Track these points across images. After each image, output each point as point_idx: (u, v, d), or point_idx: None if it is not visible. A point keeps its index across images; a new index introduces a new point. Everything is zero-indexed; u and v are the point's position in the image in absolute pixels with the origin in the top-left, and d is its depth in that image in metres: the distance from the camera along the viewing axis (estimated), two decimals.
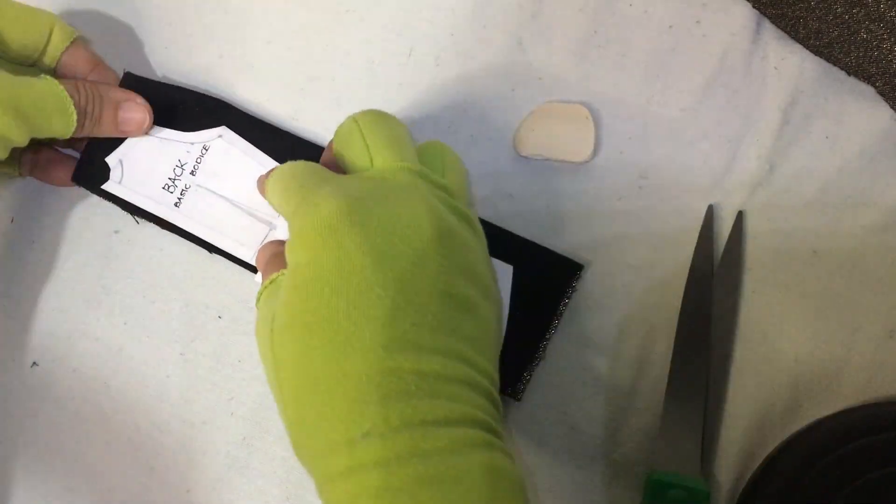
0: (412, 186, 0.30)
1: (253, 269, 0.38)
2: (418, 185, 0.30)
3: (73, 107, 0.35)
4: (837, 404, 0.35)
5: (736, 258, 0.37)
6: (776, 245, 0.37)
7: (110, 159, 0.40)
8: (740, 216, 0.37)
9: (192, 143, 0.40)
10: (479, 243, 0.31)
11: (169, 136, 0.40)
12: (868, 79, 0.39)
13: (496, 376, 0.29)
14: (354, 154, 0.32)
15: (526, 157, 0.40)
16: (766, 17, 0.40)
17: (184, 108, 0.41)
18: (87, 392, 0.39)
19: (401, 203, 0.29)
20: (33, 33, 0.36)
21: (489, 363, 0.29)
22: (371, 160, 0.32)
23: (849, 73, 0.40)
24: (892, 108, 0.39)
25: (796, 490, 0.32)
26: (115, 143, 0.40)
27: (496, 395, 0.28)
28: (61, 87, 0.35)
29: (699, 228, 0.37)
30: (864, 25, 0.37)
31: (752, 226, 0.38)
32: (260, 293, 0.32)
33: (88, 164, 0.40)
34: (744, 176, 0.38)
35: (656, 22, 0.41)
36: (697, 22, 0.41)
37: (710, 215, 0.38)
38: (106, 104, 0.37)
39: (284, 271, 0.30)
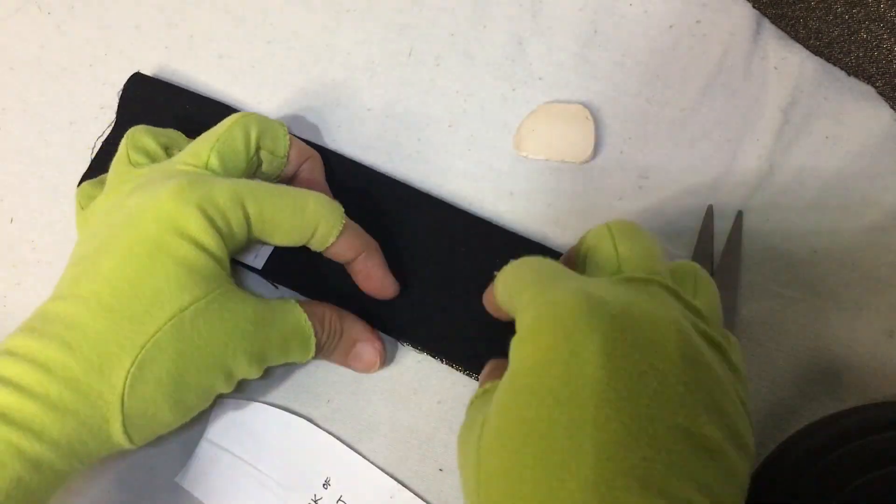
0: (660, 301, 0.26)
1: (257, 272, 0.38)
2: (667, 301, 0.26)
3: (314, 343, 0.34)
4: (837, 404, 0.35)
5: (735, 258, 0.37)
6: (776, 245, 0.37)
7: None
8: (740, 216, 0.37)
9: None
10: (731, 379, 0.26)
11: None
12: (868, 79, 0.39)
13: None
14: (602, 258, 0.29)
15: (526, 157, 0.40)
16: (766, 17, 0.41)
17: (191, 113, 0.41)
18: None
19: (646, 316, 0.24)
20: (297, 237, 0.34)
21: None
22: (619, 267, 0.28)
23: (849, 73, 0.40)
24: (892, 108, 0.39)
25: (796, 490, 0.31)
26: (105, 156, 0.40)
27: None
28: (309, 324, 0.33)
29: (699, 228, 0.37)
30: (864, 25, 0.37)
31: (751, 226, 0.38)
32: (473, 399, 0.29)
33: (87, 176, 0.41)
34: (744, 176, 0.38)
35: (656, 22, 0.41)
36: (697, 22, 0.41)
37: (710, 215, 0.38)
38: (344, 341, 0.35)
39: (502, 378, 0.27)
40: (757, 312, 0.36)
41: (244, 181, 0.33)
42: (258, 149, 0.35)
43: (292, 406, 0.37)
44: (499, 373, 0.28)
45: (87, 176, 0.41)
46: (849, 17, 0.38)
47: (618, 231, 0.29)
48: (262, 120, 0.36)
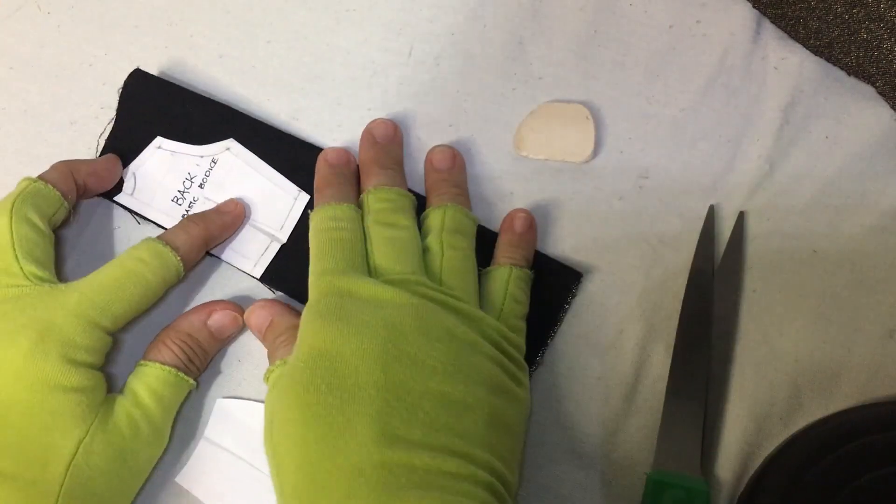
0: (414, 290, 0.32)
1: (253, 277, 0.38)
2: (421, 290, 0.32)
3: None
4: (837, 404, 0.35)
5: (736, 258, 0.37)
6: (776, 245, 0.37)
7: (124, 171, 0.40)
8: (741, 216, 0.37)
9: (202, 157, 0.40)
10: (479, 337, 0.32)
11: (179, 150, 0.40)
12: (868, 79, 0.39)
13: (503, 468, 0.29)
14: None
15: (526, 157, 0.40)
16: (766, 17, 0.40)
17: (191, 112, 0.41)
18: None
19: (392, 307, 0.31)
20: (153, 299, 0.36)
21: (492, 456, 0.29)
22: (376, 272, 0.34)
23: (849, 73, 0.40)
24: (892, 108, 0.39)
25: (796, 489, 0.31)
26: (130, 156, 0.40)
27: (500, 487, 0.29)
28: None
29: (700, 229, 0.37)
30: (864, 25, 0.37)
31: (752, 226, 0.38)
32: (267, 375, 0.33)
33: None
34: (744, 176, 0.38)
35: (656, 22, 0.41)
36: (697, 22, 0.41)
37: (712, 216, 0.38)
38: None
39: (288, 360, 0.32)
40: (757, 313, 0.36)
41: (83, 290, 0.33)
42: (49, 220, 0.35)
43: None
44: (283, 346, 0.34)
45: None
46: (849, 17, 0.38)
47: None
48: (27, 198, 0.34)
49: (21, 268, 0.33)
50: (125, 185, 0.40)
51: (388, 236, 0.34)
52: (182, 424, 0.37)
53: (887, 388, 0.35)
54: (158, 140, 0.41)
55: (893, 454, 0.31)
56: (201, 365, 0.36)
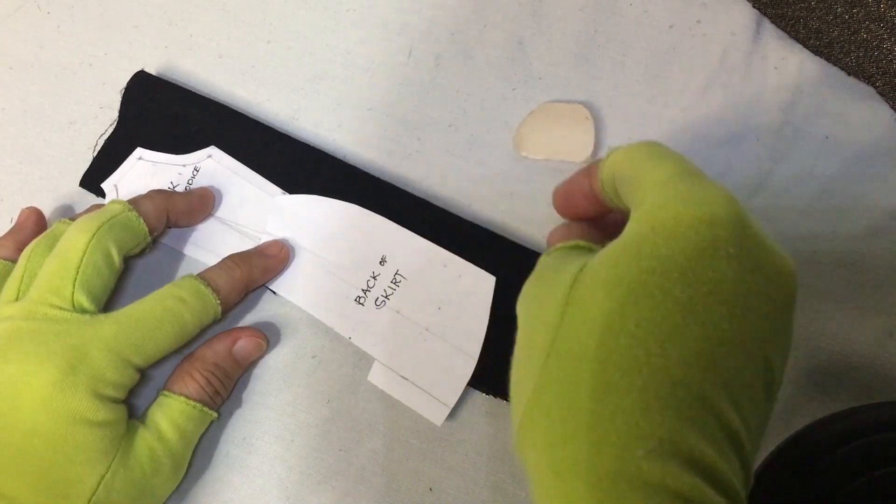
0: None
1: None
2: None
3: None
4: (837, 404, 0.35)
5: None
6: None
7: (106, 184, 0.40)
8: None
9: (184, 165, 0.40)
10: None
11: (161, 160, 0.40)
12: (868, 79, 0.39)
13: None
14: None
15: (526, 157, 0.40)
16: (766, 17, 0.41)
17: (193, 114, 0.41)
18: None
19: (781, 258, 0.24)
20: (187, 340, 0.35)
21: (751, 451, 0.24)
22: None
23: (849, 73, 0.40)
24: (892, 108, 0.39)
25: (796, 489, 0.31)
26: (111, 168, 0.40)
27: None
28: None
29: None
30: (864, 25, 0.37)
31: None
32: (551, 251, 0.29)
33: (88, 175, 0.41)
34: (744, 176, 0.38)
35: (656, 22, 0.41)
36: (697, 22, 0.41)
37: None
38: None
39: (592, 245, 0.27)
40: None
41: (121, 324, 0.32)
42: (127, 252, 0.34)
43: (291, 406, 0.37)
44: (569, 233, 0.29)
45: (87, 176, 0.41)
46: (849, 17, 0.38)
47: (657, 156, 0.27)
48: (114, 227, 0.34)
49: (72, 293, 0.32)
50: (108, 197, 0.40)
51: None
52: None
53: (887, 388, 0.35)
54: (139, 151, 0.41)
55: (893, 454, 0.31)
56: (226, 395, 0.36)
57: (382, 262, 0.37)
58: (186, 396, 0.34)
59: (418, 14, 0.43)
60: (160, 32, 0.44)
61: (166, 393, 0.34)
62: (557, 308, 0.24)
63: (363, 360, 0.37)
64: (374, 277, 0.37)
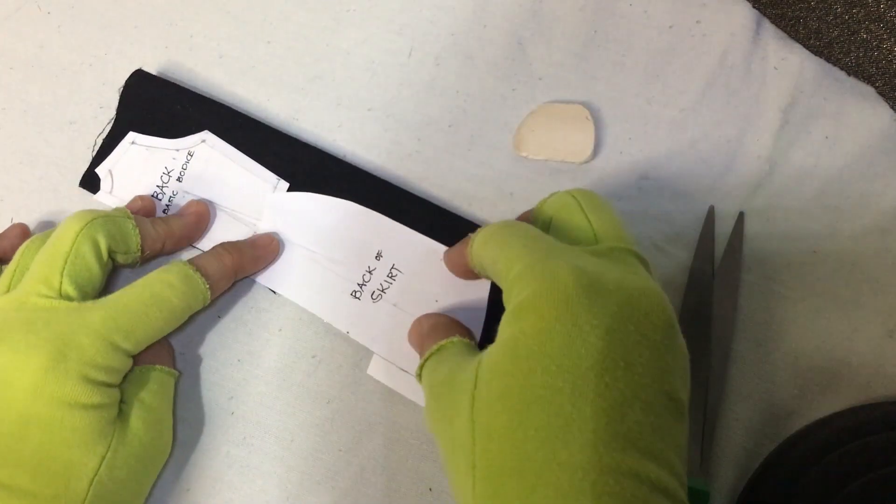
0: (643, 273, 0.28)
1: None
2: (644, 272, 0.28)
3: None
4: (837, 404, 0.35)
5: (736, 258, 0.37)
6: (776, 245, 0.37)
7: (100, 170, 0.40)
8: (741, 217, 0.37)
9: (178, 150, 0.40)
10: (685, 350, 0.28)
11: (154, 144, 0.40)
12: (868, 79, 0.39)
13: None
14: (574, 228, 0.31)
15: (526, 158, 0.40)
16: (766, 17, 0.41)
17: (191, 113, 0.41)
18: None
19: (637, 289, 0.26)
20: (175, 325, 0.35)
21: (685, 476, 0.25)
22: (595, 237, 0.30)
23: (849, 73, 0.40)
24: (892, 108, 0.39)
25: (796, 489, 0.31)
26: (106, 153, 0.40)
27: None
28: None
29: (700, 229, 0.37)
30: (864, 25, 0.37)
31: (752, 226, 0.38)
32: (424, 361, 0.31)
33: (87, 175, 0.41)
34: (744, 176, 0.38)
35: (656, 22, 0.41)
36: (697, 22, 0.41)
37: (712, 216, 0.38)
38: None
39: (488, 347, 0.28)
40: (757, 312, 0.36)
41: (108, 310, 0.32)
42: (111, 255, 0.34)
43: (291, 406, 0.37)
44: (436, 333, 0.32)
45: (87, 175, 0.41)
46: (849, 17, 0.38)
47: (585, 201, 0.31)
48: (106, 222, 0.34)
49: (60, 283, 0.32)
50: (102, 183, 0.40)
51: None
52: (182, 426, 0.37)
53: (887, 388, 0.35)
54: (131, 135, 0.40)
55: (893, 454, 0.31)
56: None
57: (378, 256, 0.37)
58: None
59: (418, 14, 0.43)
60: (160, 32, 0.44)
61: (138, 368, 0.34)
62: (467, 429, 0.26)
63: (363, 360, 0.37)
64: (370, 272, 0.37)
